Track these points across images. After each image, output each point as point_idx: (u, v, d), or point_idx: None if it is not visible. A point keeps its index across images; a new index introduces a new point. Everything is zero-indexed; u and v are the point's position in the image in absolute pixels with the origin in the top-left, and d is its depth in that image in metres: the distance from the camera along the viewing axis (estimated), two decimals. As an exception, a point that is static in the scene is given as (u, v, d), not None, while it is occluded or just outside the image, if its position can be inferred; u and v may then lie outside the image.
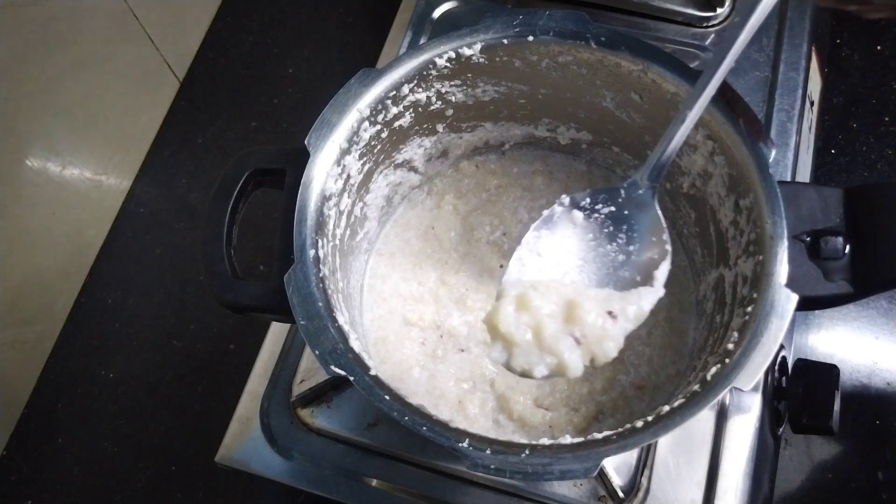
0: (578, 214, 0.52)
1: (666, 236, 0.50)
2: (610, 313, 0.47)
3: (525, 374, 0.47)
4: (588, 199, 0.52)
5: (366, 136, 0.54)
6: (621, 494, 0.56)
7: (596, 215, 0.52)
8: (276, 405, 0.62)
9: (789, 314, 0.44)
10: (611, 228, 0.52)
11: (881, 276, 0.46)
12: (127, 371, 0.80)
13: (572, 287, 0.50)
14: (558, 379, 0.58)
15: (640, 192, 0.51)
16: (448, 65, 0.54)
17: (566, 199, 0.52)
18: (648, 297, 0.48)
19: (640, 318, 0.47)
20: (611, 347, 0.46)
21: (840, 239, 0.46)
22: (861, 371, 0.71)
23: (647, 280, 0.49)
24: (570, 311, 0.47)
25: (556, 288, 0.49)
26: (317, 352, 0.45)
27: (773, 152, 0.48)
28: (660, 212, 0.51)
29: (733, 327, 0.46)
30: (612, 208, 0.52)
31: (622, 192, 0.52)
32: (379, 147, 0.56)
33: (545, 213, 0.52)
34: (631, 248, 0.51)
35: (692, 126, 0.48)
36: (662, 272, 0.49)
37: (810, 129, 0.74)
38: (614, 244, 0.51)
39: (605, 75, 0.54)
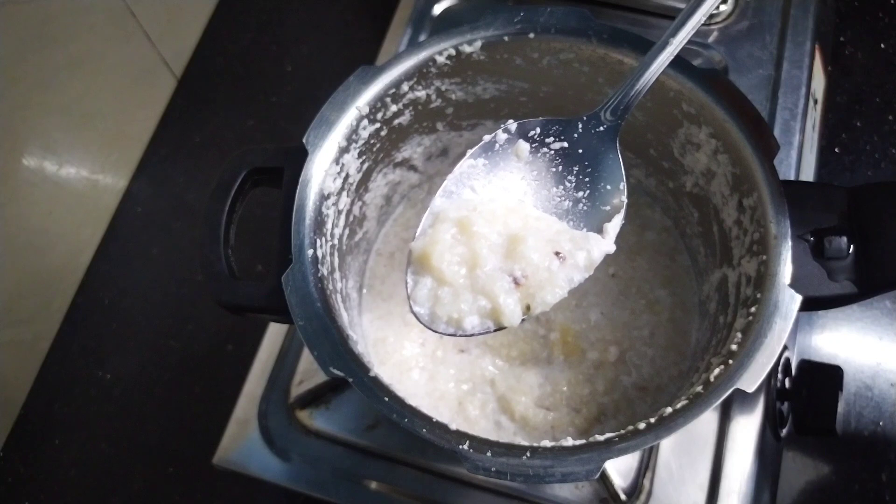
0: (524, 146, 0.46)
1: (623, 185, 0.45)
2: (558, 254, 0.42)
3: (452, 326, 0.41)
4: (538, 129, 0.46)
5: (365, 134, 0.53)
6: (623, 497, 0.55)
7: (545, 150, 0.46)
8: (275, 407, 0.62)
9: (793, 314, 0.44)
10: (559, 168, 0.46)
11: (885, 276, 0.45)
12: (124, 372, 0.79)
13: (521, 213, 0.44)
14: (559, 378, 0.57)
15: (601, 128, 0.46)
16: (448, 62, 0.54)
17: (513, 126, 0.46)
18: (599, 247, 0.44)
19: (590, 269, 0.43)
20: (553, 295, 0.42)
21: (844, 238, 0.46)
22: (865, 372, 0.71)
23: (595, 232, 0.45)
24: (513, 246, 0.42)
25: (503, 215, 0.43)
26: (315, 353, 0.45)
27: (777, 151, 0.48)
28: (620, 156, 0.45)
29: (737, 328, 0.46)
30: (565, 144, 0.46)
31: (579, 125, 0.46)
32: (378, 145, 0.56)
33: (486, 138, 0.46)
34: (580, 194, 0.46)
35: (673, 55, 0.43)
36: (614, 226, 0.45)
37: (814, 127, 0.73)
38: (560, 187, 0.46)
39: (607, 73, 0.53)
